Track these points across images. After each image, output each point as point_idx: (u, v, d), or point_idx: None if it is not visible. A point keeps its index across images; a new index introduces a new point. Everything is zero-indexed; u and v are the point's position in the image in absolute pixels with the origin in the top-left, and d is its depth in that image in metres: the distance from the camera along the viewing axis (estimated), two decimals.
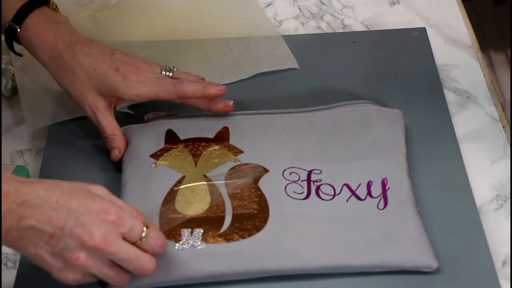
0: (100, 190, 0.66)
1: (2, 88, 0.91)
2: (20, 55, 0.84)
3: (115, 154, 0.79)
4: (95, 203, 0.63)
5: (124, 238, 0.64)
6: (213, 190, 0.75)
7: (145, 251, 0.65)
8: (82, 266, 0.62)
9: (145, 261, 0.65)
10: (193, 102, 0.81)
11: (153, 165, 0.77)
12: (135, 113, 0.87)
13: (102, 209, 0.63)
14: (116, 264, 0.64)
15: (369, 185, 0.76)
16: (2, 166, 0.82)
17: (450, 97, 0.89)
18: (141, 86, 0.78)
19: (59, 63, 0.79)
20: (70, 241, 0.61)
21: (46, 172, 0.81)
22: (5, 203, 0.62)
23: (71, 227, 0.61)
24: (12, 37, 0.81)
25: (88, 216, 0.62)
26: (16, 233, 0.62)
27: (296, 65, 0.92)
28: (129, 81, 0.78)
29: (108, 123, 0.80)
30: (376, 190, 0.76)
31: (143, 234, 0.64)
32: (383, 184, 0.76)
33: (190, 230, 0.72)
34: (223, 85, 0.81)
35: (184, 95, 0.79)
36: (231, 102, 0.81)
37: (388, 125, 0.80)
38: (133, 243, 0.64)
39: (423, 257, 0.70)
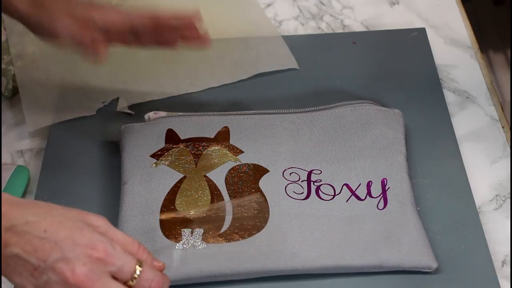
0: (99, 221, 0.60)
1: (3, 88, 0.91)
2: None
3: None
4: (84, 236, 0.57)
5: (114, 277, 0.58)
6: (213, 190, 0.76)
7: None
8: None
9: None
10: (167, 35, 0.78)
11: (154, 164, 0.78)
12: (135, 113, 0.87)
13: (89, 244, 0.57)
14: None
15: (369, 185, 0.76)
16: (3, 166, 0.82)
17: (449, 97, 0.89)
18: (116, 12, 0.76)
19: (41, 3, 0.75)
20: (52, 275, 0.56)
21: (46, 172, 0.81)
22: None
23: (54, 260, 0.56)
24: None
25: (74, 250, 0.56)
26: (2, 260, 0.57)
27: (296, 66, 0.92)
28: (106, 8, 0.76)
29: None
30: (376, 190, 0.76)
31: (135, 274, 0.58)
32: (383, 184, 0.76)
33: (190, 230, 0.72)
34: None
35: (158, 19, 0.76)
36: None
37: (387, 125, 0.80)
38: (124, 283, 0.58)
39: (422, 257, 0.71)
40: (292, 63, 0.92)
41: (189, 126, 0.81)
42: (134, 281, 0.58)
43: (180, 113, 0.83)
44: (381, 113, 0.81)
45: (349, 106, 0.82)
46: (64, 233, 0.57)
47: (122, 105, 0.87)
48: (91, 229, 0.58)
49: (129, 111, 0.87)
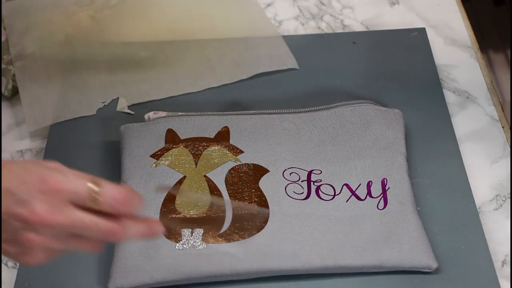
0: (52, 163, 0.55)
1: (3, 88, 0.91)
2: None
3: None
4: (32, 173, 0.53)
5: (77, 205, 0.53)
6: (213, 190, 0.76)
7: (106, 213, 0.54)
8: (38, 247, 0.54)
9: (106, 225, 0.54)
10: None
11: (153, 165, 0.78)
12: (135, 113, 0.87)
13: (38, 178, 0.53)
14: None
15: (369, 185, 0.76)
16: None
17: (449, 97, 0.89)
18: None
19: None
20: (16, 222, 0.53)
21: None
22: None
23: (11, 207, 0.52)
24: None
25: (25, 190, 0.52)
26: None
27: (296, 66, 0.92)
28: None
29: None
30: (376, 190, 0.76)
31: (94, 194, 0.54)
32: (383, 184, 0.76)
33: (190, 230, 0.72)
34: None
35: None
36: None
37: (388, 125, 0.80)
38: (88, 208, 0.54)
39: (422, 257, 0.71)
40: (292, 63, 0.92)
41: (189, 126, 0.81)
42: (96, 202, 0.54)
43: (180, 113, 0.83)
44: (381, 113, 0.81)
45: (349, 106, 0.82)
46: (14, 179, 0.53)
47: (122, 105, 0.87)
48: (42, 167, 0.54)
49: (129, 111, 0.87)
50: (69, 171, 0.55)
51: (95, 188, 0.54)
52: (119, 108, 0.87)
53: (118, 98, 0.88)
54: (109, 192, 0.54)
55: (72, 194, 0.53)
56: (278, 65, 0.92)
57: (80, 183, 0.54)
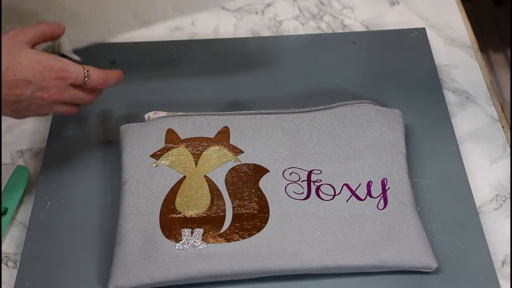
0: (24, 35, 0.73)
1: None
2: None
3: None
4: (43, 66, 0.71)
5: (72, 84, 0.74)
6: (213, 190, 0.76)
7: (90, 90, 0.76)
8: (41, 112, 0.75)
9: (87, 98, 0.76)
10: None
11: (154, 164, 0.78)
12: (135, 113, 0.86)
13: (48, 69, 0.72)
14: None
15: (369, 185, 0.76)
16: (3, 166, 0.82)
17: (449, 97, 0.89)
18: None
19: None
20: (32, 100, 0.72)
21: (46, 172, 0.81)
22: None
23: (32, 92, 0.71)
24: None
25: (43, 80, 0.71)
26: None
27: None
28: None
29: None
30: (376, 190, 0.76)
31: (86, 79, 0.74)
32: (383, 184, 0.76)
33: (190, 230, 0.72)
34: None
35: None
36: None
37: (387, 125, 0.80)
38: (79, 86, 0.75)
39: (422, 257, 0.71)
40: None
41: (189, 126, 0.81)
42: (87, 83, 0.75)
43: (180, 113, 0.83)
44: (381, 113, 0.81)
45: (349, 106, 0.82)
46: (29, 70, 0.71)
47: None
48: (37, 54, 0.72)
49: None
50: (62, 59, 0.74)
51: (87, 74, 0.75)
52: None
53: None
54: (94, 76, 0.75)
55: (73, 78, 0.74)
56: None
57: (79, 70, 0.74)
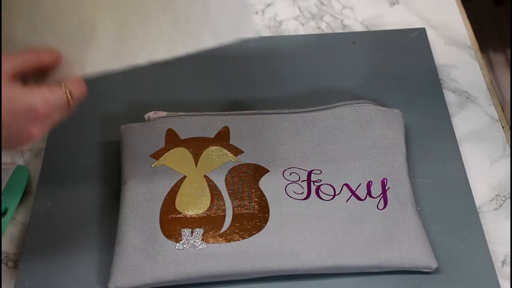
0: (4, 64, 0.62)
1: None
2: None
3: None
4: (19, 105, 0.61)
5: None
6: (213, 190, 0.76)
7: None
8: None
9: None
10: None
11: (154, 165, 0.78)
12: (135, 113, 0.86)
13: (29, 109, 0.62)
14: None
15: (369, 185, 0.76)
16: (3, 166, 0.82)
17: (449, 97, 0.89)
18: None
19: None
20: (13, 140, 0.63)
21: (46, 172, 0.81)
22: None
23: (8, 135, 0.62)
24: None
25: (20, 121, 0.62)
26: None
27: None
28: None
29: None
30: (376, 190, 0.76)
31: (69, 100, 0.64)
32: (383, 184, 0.76)
33: (190, 230, 0.72)
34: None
35: None
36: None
37: (388, 125, 0.80)
38: None
39: (422, 257, 0.71)
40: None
41: (189, 126, 0.81)
42: (71, 102, 0.64)
43: (180, 113, 0.83)
44: (381, 113, 0.81)
45: (349, 106, 0.82)
46: (3, 112, 0.60)
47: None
48: (14, 89, 0.61)
49: None
50: (41, 89, 0.62)
51: (69, 96, 0.64)
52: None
53: None
54: (77, 96, 0.65)
55: (58, 108, 0.63)
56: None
57: (58, 95, 0.63)
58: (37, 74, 0.65)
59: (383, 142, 0.79)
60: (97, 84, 0.93)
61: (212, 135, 0.80)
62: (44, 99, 0.62)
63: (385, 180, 0.76)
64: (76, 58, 0.66)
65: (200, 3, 0.66)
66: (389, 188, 0.76)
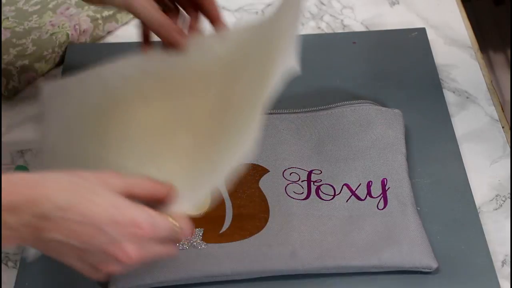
0: (114, 178, 0.59)
1: (3, 88, 0.91)
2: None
3: (179, 39, 0.71)
4: (124, 216, 0.57)
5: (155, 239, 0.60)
6: (214, 190, 0.75)
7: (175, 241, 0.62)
8: (117, 273, 0.61)
9: (173, 253, 0.62)
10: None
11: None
12: None
13: (133, 223, 0.57)
14: None
15: (369, 185, 0.76)
16: (3, 166, 0.82)
17: (449, 97, 0.89)
18: None
19: None
20: (103, 256, 0.57)
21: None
22: (20, 216, 0.55)
23: (103, 243, 0.56)
24: None
25: (120, 232, 0.56)
26: (42, 243, 0.57)
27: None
28: None
29: (158, 9, 0.71)
30: (376, 190, 0.76)
31: (175, 232, 0.60)
32: (383, 184, 0.76)
33: None
34: None
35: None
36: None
37: (388, 125, 0.80)
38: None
39: (422, 257, 0.71)
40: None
41: None
42: (176, 238, 0.60)
43: None
44: (381, 113, 0.81)
45: (349, 106, 0.82)
46: (102, 215, 0.56)
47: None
48: (121, 199, 0.58)
49: None
50: (139, 193, 0.60)
51: (176, 226, 0.60)
52: None
53: None
54: (185, 231, 0.61)
55: (159, 235, 0.59)
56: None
57: (165, 224, 0.59)
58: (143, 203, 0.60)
59: (383, 142, 0.79)
60: None
61: None
62: (151, 219, 0.58)
63: (385, 180, 0.76)
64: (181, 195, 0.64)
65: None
66: (389, 188, 0.76)
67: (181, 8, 0.75)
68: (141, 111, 0.71)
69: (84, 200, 0.56)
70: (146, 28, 0.75)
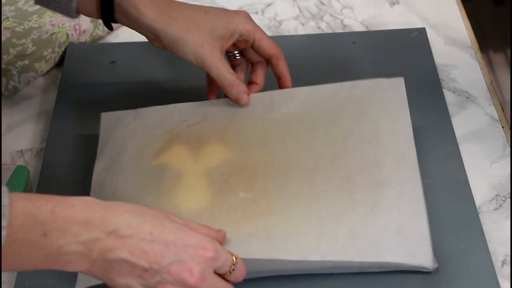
0: (176, 218, 0.64)
1: (3, 88, 0.91)
2: (111, 29, 0.80)
3: (245, 98, 0.78)
4: (191, 238, 0.61)
5: (215, 270, 0.63)
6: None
7: (229, 280, 0.64)
8: None
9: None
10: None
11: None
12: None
13: (199, 245, 0.61)
14: None
15: None
16: (3, 166, 0.82)
17: (449, 97, 0.89)
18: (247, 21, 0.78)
19: (168, 14, 0.75)
20: (167, 276, 0.59)
21: (46, 172, 0.81)
22: (91, 231, 0.57)
23: (169, 263, 0.59)
24: (108, 11, 0.76)
25: (186, 252, 0.60)
26: (104, 264, 0.58)
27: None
28: (241, 16, 0.78)
29: (229, 68, 0.78)
30: None
31: (233, 267, 0.64)
32: None
33: None
34: None
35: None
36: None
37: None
38: (222, 274, 0.64)
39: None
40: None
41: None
42: (231, 273, 0.63)
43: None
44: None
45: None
46: (171, 235, 0.59)
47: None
48: (186, 228, 0.62)
49: None
50: (201, 230, 0.65)
51: (235, 262, 0.64)
52: None
53: None
54: (240, 268, 0.65)
55: (221, 264, 0.62)
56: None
57: (229, 257, 0.64)
58: None
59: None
60: (98, 85, 0.93)
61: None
62: (216, 244, 0.62)
63: None
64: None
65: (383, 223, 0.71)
66: None
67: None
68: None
69: (155, 222, 0.59)
70: (214, 81, 0.79)
